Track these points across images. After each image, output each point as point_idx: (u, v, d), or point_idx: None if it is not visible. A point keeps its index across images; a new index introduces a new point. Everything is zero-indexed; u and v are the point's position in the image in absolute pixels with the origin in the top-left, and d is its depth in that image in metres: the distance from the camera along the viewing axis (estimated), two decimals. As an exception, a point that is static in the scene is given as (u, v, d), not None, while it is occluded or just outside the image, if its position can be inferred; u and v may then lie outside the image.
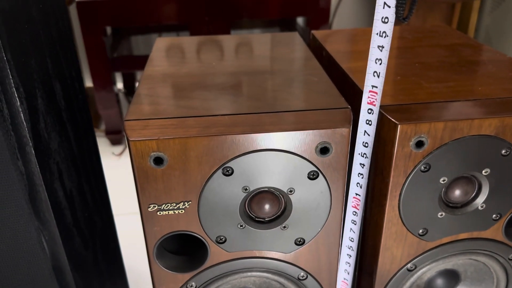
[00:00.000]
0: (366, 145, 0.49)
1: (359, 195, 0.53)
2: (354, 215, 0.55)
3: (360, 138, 0.49)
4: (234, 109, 0.47)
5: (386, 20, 0.44)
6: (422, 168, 0.47)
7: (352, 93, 0.55)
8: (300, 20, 1.55)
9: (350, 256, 0.58)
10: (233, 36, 0.74)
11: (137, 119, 0.45)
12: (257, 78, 0.55)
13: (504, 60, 0.60)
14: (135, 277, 0.78)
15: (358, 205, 0.54)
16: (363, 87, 0.47)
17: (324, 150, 0.46)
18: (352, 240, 0.56)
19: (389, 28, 0.44)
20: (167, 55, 0.65)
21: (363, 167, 0.51)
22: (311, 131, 0.45)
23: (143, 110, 0.47)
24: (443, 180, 0.48)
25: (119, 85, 1.45)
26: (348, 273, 0.59)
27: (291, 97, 0.50)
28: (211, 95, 0.51)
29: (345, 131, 0.45)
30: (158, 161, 0.44)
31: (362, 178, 0.52)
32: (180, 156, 0.44)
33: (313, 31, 0.77)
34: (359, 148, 0.50)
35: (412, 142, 0.46)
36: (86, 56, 1.16)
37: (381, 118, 0.47)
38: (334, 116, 0.46)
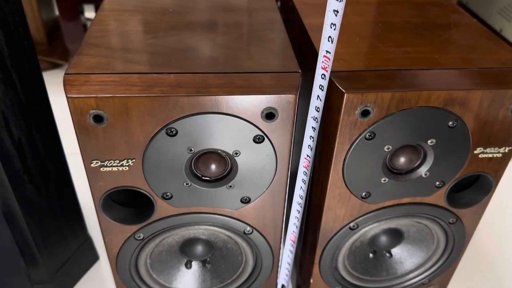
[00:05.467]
0: (318, 109, 0.49)
1: (310, 157, 0.53)
2: (305, 174, 0.55)
3: (313, 102, 0.49)
4: (181, 66, 0.46)
5: (342, -17, 0.42)
6: (367, 136, 0.47)
7: (310, 52, 0.53)
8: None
9: (299, 211, 0.60)
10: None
11: (78, 73, 0.44)
12: (212, 32, 0.53)
13: (470, 24, 0.59)
14: (93, 216, 0.79)
15: (308, 165, 0.54)
16: (318, 48, 0.45)
17: (269, 116, 0.45)
18: (301, 197, 0.58)
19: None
20: (123, -3, 0.62)
21: (314, 131, 0.51)
22: (257, 96, 0.44)
23: (86, 63, 0.46)
24: (388, 148, 0.49)
25: (88, 14, 1.37)
26: (297, 227, 0.62)
27: (242, 56, 0.48)
28: (161, 48, 0.49)
29: (292, 97, 0.44)
30: (98, 119, 0.43)
31: (313, 141, 0.52)
32: (121, 115, 0.43)
33: (283, -23, 0.73)
34: (311, 112, 0.50)
35: (358, 111, 0.46)
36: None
37: (330, 85, 0.46)
38: (282, 81, 0.45)
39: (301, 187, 0.57)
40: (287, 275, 0.69)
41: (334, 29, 0.44)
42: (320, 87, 0.47)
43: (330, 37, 0.44)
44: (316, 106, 0.49)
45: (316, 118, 0.50)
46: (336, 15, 0.43)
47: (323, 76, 0.46)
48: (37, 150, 0.58)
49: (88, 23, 1.28)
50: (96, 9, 1.38)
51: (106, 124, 0.44)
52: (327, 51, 0.45)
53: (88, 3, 1.17)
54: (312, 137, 0.52)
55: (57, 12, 1.48)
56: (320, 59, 0.46)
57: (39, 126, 0.57)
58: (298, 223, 0.61)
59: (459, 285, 0.77)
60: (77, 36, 1.14)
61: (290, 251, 0.65)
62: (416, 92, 0.45)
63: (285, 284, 0.72)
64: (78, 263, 0.73)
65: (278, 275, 0.66)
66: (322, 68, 0.46)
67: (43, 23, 1.24)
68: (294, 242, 0.64)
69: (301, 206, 0.59)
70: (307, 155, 0.53)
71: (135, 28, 0.53)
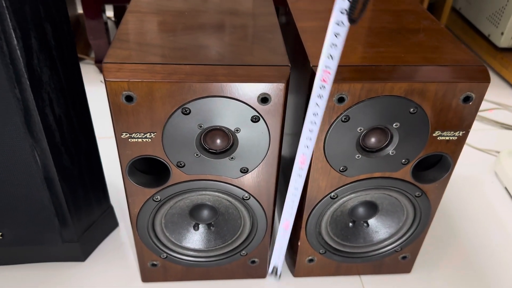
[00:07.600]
0: (316, 114, 0.58)
1: (306, 155, 0.61)
2: (300, 169, 0.64)
3: (311, 108, 0.56)
4: (195, 59, 0.57)
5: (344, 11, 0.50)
6: (343, 119, 0.59)
7: (300, 51, 0.64)
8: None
9: (294, 201, 0.67)
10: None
11: (113, 62, 0.55)
12: (220, 32, 0.65)
13: (438, 29, 0.70)
14: (114, 189, 0.92)
15: (304, 162, 0.62)
16: (307, 47, 0.55)
17: (264, 100, 0.56)
18: (296, 189, 0.66)
19: (346, 18, 0.51)
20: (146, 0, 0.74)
21: (311, 132, 0.59)
22: (255, 83, 0.55)
23: (119, 55, 0.57)
24: (360, 129, 0.60)
25: (109, 13, 1.49)
26: (291, 215, 0.70)
27: (244, 52, 0.60)
28: (178, 44, 0.60)
29: (282, 85, 0.56)
30: (129, 98, 0.55)
31: (310, 140, 0.59)
32: (147, 96, 0.55)
33: (283, -15, 0.84)
34: (309, 116, 0.57)
35: (335, 98, 0.57)
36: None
37: (313, 76, 0.57)
38: (275, 72, 0.56)
39: (295, 180, 0.65)
40: (279, 258, 0.77)
41: (335, 48, 0.52)
42: (319, 95, 0.53)
43: (330, 55, 0.51)
44: (314, 112, 0.57)
45: (315, 122, 0.56)
46: (337, 37, 0.51)
47: (322, 87, 0.52)
48: (73, 126, 0.70)
49: (108, 21, 1.40)
50: (114, 9, 1.50)
51: (135, 103, 0.55)
52: (326, 66, 0.52)
53: (109, 3, 1.29)
54: (310, 138, 0.58)
55: (78, 10, 1.61)
56: (319, 72, 0.52)
57: (75, 106, 0.69)
58: (292, 212, 0.68)
59: (429, 254, 0.88)
60: (99, 33, 1.26)
61: (283, 235, 0.73)
62: (382, 84, 0.57)
63: (277, 266, 0.80)
64: (101, 228, 0.84)
65: (270, 254, 0.75)
66: (321, 80, 0.53)
67: (66, 19, 1.36)
68: (286, 228, 0.72)
69: (296, 196, 0.66)
70: (304, 153, 0.61)
71: (157, 28, 0.65)
